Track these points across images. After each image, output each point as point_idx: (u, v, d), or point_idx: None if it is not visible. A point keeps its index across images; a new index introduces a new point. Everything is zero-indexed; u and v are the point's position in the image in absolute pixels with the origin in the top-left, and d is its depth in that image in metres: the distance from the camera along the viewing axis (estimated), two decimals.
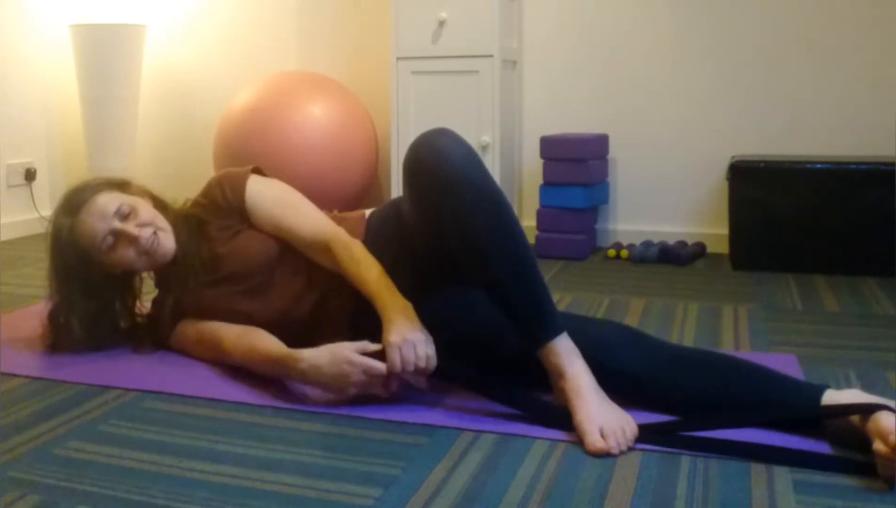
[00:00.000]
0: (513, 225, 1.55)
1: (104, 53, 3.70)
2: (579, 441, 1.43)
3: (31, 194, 3.83)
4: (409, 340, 1.55)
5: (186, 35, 4.02)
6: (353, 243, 1.77)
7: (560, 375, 1.51)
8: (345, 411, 1.60)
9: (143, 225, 1.86)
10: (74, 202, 1.88)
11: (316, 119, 3.33)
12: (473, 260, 1.55)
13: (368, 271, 1.70)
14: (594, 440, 1.41)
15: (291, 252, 1.87)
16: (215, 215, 1.91)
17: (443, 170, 1.54)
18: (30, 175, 3.80)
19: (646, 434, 1.45)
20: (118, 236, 1.85)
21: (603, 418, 1.44)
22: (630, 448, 1.42)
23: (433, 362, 1.57)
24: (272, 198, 1.90)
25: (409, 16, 3.26)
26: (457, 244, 1.56)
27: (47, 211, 3.86)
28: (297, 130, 3.29)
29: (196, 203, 1.96)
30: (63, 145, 4.01)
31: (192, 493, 1.28)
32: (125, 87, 3.77)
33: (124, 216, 1.86)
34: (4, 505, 1.23)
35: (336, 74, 3.78)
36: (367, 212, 1.92)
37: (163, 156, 4.13)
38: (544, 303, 1.53)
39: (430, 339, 1.58)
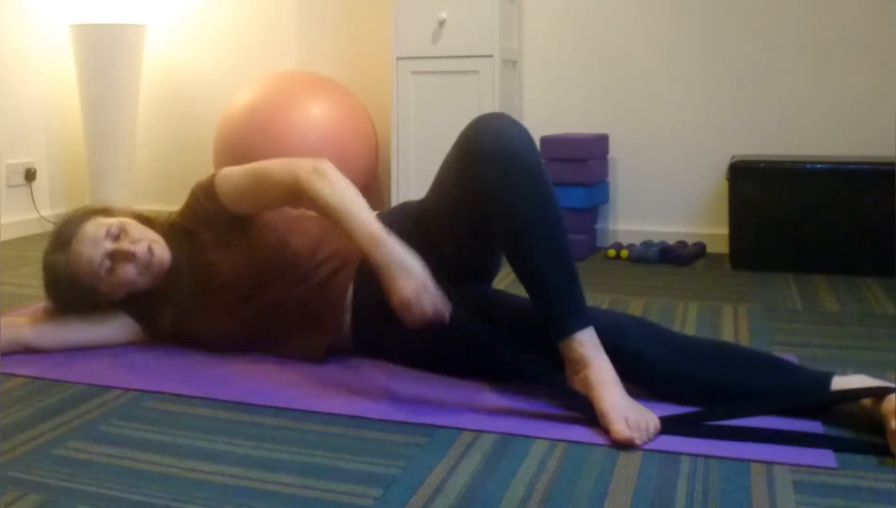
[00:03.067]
0: (558, 215, 1.59)
1: (104, 53, 3.70)
2: (604, 429, 1.46)
3: (31, 194, 3.83)
4: (412, 300, 1.54)
5: (186, 35, 4.02)
6: (315, 172, 1.73)
7: (586, 364, 1.52)
8: (345, 411, 1.60)
9: (135, 241, 1.85)
10: (63, 238, 1.86)
11: (316, 119, 3.33)
12: (516, 244, 1.57)
13: (349, 215, 1.65)
14: (621, 428, 1.42)
15: (286, 250, 1.87)
16: (204, 226, 1.90)
17: (501, 151, 1.58)
18: (30, 175, 3.80)
19: (667, 427, 1.47)
20: (114, 256, 1.83)
21: (627, 409, 1.46)
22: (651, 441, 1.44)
23: (441, 306, 1.56)
24: (239, 175, 1.85)
25: (409, 16, 3.26)
26: (501, 227, 1.59)
27: (47, 211, 3.86)
28: (297, 130, 3.29)
29: (182, 214, 1.95)
30: (63, 145, 4.01)
31: (192, 493, 1.28)
32: (125, 87, 3.77)
33: (115, 236, 1.84)
34: (4, 505, 1.23)
35: (336, 74, 3.78)
36: None
37: (163, 156, 4.13)
38: (578, 294, 1.56)
39: (432, 284, 1.56)
